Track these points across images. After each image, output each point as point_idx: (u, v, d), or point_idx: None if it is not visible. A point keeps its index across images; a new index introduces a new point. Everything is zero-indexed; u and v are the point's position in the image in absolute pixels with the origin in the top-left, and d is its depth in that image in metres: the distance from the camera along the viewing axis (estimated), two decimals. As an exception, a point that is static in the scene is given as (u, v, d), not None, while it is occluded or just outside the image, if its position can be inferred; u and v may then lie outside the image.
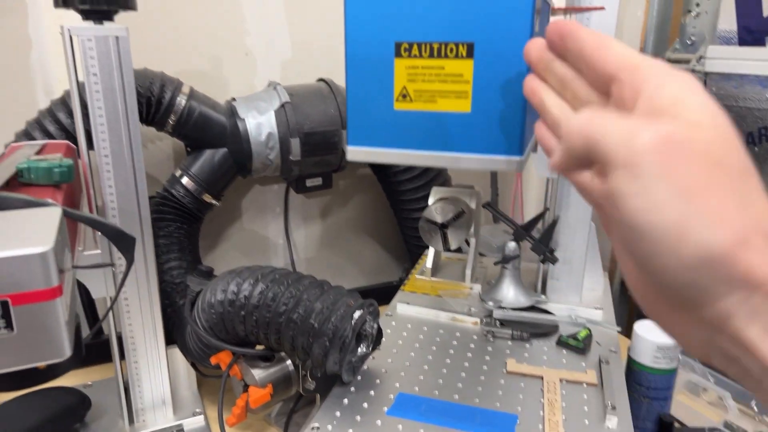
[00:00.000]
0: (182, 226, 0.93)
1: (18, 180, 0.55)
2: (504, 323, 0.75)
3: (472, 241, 0.87)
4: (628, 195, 0.22)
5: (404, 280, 0.90)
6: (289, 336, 0.62)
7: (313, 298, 0.63)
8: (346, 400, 0.60)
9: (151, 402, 0.74)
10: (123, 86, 0.61)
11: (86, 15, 0.62)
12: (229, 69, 1.04)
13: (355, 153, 0.41)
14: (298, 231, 1.20)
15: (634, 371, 0.70)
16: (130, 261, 0.51)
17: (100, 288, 0.65)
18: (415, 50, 0.37)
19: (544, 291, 0.82)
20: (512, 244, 0.79)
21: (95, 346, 0.89)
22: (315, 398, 0.74)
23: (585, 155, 0.25)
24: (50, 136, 0.81)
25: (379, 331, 0.66)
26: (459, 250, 1.00)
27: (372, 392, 0.62)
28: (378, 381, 0.64)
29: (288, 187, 1.14)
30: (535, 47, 0.31)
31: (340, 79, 1.01)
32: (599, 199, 0.26)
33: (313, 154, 0.97)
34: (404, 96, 0.38)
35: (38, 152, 0.68)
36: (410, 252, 1.20)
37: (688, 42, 0.92)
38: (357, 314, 0.61)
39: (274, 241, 1.19)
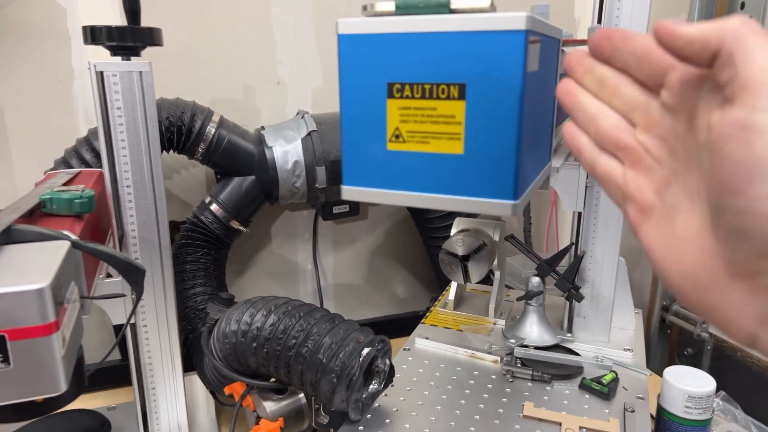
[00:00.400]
0: (209, 252, 0.94)
1: (41, 210, 0.57)
2: (525, 363, 0.72)
3: (497, 274, 0.85)
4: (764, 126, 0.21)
5: (425, 314, 0.88)
6: (298, 370, 0.62)
7: (323, 332, 0.62)
8: (352, 440, 0.59)
9: (167, 428, 0.74)
10: (146, 119, 0.63)
11: (114, 51, 0.65)
12: (261, 97, 1.06)
13: (350, 193, 0.40)
14: (327, 257, 1.20)
15: (663, 421, 0.65)
16: (139, 293, 0.52)
17: (119, 315, 0.66)
18: (407, 91, 0.36)
19: (570, 329, 0.79)
20: (536, 280, 0.76)
21: (123, 368, 0.91)
22: (330, 432, 0.73)
23: (708, 60, 0.23)
24: (87, 164, 0.85)
25: (392, 368, 0.65)
26: (487, 280, 0.98)
27: (380, 432, 0.60)
28: (388, 421, 0.62)
29: (317, 213, 1.15)
30: (575, 54, 0.31)
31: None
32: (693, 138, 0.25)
33: (339, 182, 0.96)
34: (397, 137, 0.37)
35: (70, 180, 0.71)
36: (440, 280, 1.18)
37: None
38: (365, 351, 0.59)
39: (303, 266, 1.19)
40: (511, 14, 0.33)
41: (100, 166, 0.84)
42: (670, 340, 1.07)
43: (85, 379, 0.48)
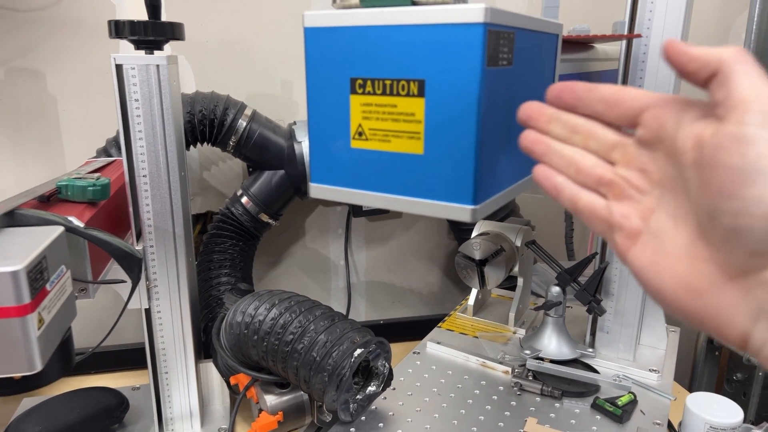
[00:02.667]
0: (237, 244, 0.96)
1: (57, 196, 0.60)
2: (537, 376, 0.68)
3: (520, 281, 0.81)
4: (758, 139, 0.24)
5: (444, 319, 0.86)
6: (293, 366, 0.62)
7: (320, 329, 0.61)
8: (341, 441, 0.58)
9: (180, 412, 0.76)
10: (162, 111, 0.65)
11: (137, 45, 0.67)
12: (298, 93, 1.07)
13: (317, 191, 0.39)
14: (360, 253, 1.20)
15: (683, 451, 0.60)
16: (134, 281, 0.54)
17: (133, 300, 0.68)
18: (369, 86, 0.34)
19: (592, 344, 0.74)
20: (556, 289, 0.72)
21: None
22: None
23: (705, 80, 0.26)
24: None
25: (390, 372, 0.63)
26: (513, 287, 0.94)
27: (371, 436, 0.59)
28: (381, 425, 0.61)
29: (350, 209, 1.14)
30: (531, 105, 0.32)
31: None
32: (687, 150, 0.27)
33: (366, 179, 0.96)
34: (360, 134, 0.36)
35: (101, 168, 0.75)
36: (473, 284, 1.15)
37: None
38: (357, 352, 0.58)
39: (335, 261, 1.19)
40: (468, 6, 0.30)
41: (136, 156, 0.89)
42: (719, 364, 0.99)
43: (73, 359, 0.50)
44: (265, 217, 0.97)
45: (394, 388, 0.65)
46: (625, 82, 0.64)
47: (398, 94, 0.33)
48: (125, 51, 0.97)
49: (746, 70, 0.25)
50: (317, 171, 0.38)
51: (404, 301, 1.25)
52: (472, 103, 0.31)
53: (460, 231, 1.07)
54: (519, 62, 0.35)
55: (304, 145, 0.94)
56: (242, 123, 0.92)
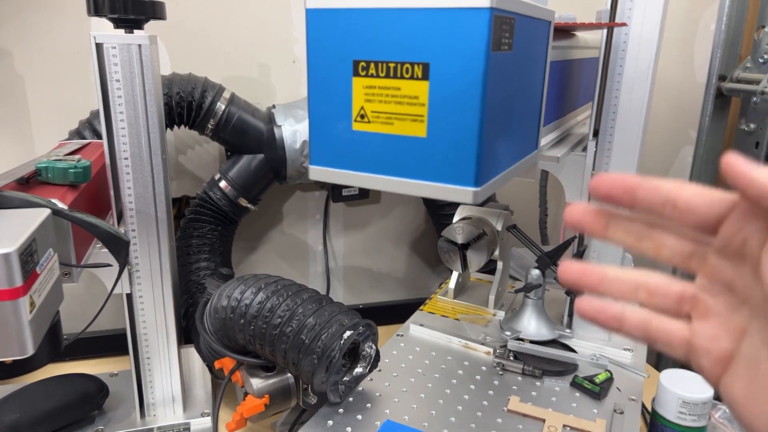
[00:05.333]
0: (216, 228, 0.95)
1: (36, 178, 0.58)
2: (518, 356, 0.70)
3: (499, 264, 0.83)
4: None
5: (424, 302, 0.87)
6: (281, 349, 0.62)
7: (308, 312, 0.62)
8: (330, 422, 0.59)
9: (162, 398, 0.76)
10: (144, 92, 0.64)
11: (117, 24, 0.65)
12: (276, 76, 1.06)
13: (317, 173, 0.39)
14: (338, 239, 1.20)
15: (656, 425, 0.63)
16: (122, 264, 0.53)
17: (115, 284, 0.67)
18: (372, 69, 0.35)
19: (570, 325, 0.77)
20: (536, 272, 0.74)
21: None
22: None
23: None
24: (98, 135, 0.86)
25: (377, 354, 0.64)
26: (492, 271, 0.96)
27: (359, 416, 0.60)
28: (369, 405, 0.62)
29: (329, 194, 1.14)
30: (578, 207, 0.27)
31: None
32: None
33: (347, 164, 0.96)
34: (362, 117, 0.36)
35: (77, 151, 0.73)
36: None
37: (761, 60, 0.83)
38: (347, 334, 0.59)
39: (313, 247, 1.19)
40: (475, -10, 0.31)
41: (112, 139, 0.86)
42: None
43: (61, 344, 0.49)
44: (243, 202, 0.97)
45: (380, 370, 0.66)
46: (606, 69, 0.65)
47: (402, 77, 0.34)
48: (98, 30, 0.95)
49: None
50: (317, 153, 0.39)
51: (382, 286, 1.26)
52: (477, 87, 0.32)
53: (437, 216, 1.09)
54: (517, 48, 0.36)
55: (284, 129, 0.94)
56: (221, 106, 0.91)
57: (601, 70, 0.65)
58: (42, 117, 0.96)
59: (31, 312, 0.40)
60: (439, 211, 1.07)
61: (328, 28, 0.35)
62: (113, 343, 0.96)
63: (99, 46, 0.62)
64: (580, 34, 0.69)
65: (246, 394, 0.69)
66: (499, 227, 0.79)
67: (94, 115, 0.88)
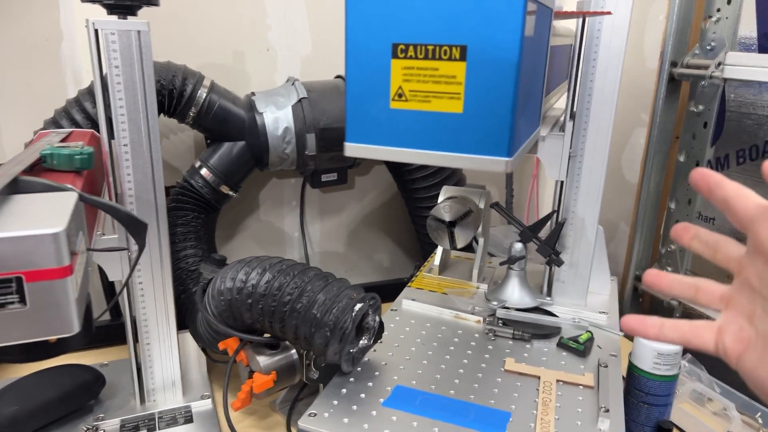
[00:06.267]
0: (200, 216, 0.96)
1: (41, 165, 0.58)
2: (506, 323, 0.76)
3: (481, 240, 0.88)
4: None
5: (415, 277, 0.91)
6: (292, 325, 0.64)
7: (317, 289, 0.64)
8: (344, 390, 0.62)
9: (161, 383, 0.76)
10: (143, 79, 0.64)
11: (111, 9, 0.65)
12: (250, 64, 1.07)
13: (353, 149, 0.42)
14: (314, 225, 1.23)
15: (634, 376, 0.70)
16: (141, 246, 0.54)
17: (116, 271, 0.68)
18: (411, 51, 0.38)
19: (549, 293, 0.83)
20: (518, 245, 0.79)
21: (113, 328, 0.93)
22: (319, 388, 0.76)
23: None
24: (77, 124, 0.85)
25: (381, 325, 0.68)
26: (470, 249, 1.01)
27: (370, 383, 0.63)
28: (377, 373, 0.65)
29: (305, 181, 1.16)
30: (680, 226, 0.35)
31: (358, 77, 1.03)
32: None
33: (328, 149, 0.99)
34: (400, 95, 0.39)
35: (63, 140, 0.72)
36: (423, 249, 1.21)
37: (708, 47, 0.91)
38: (358, 307, 0.62)
39: (289, 233, 1.21)
40: (511, -21, 0.35)
41: (90, 127, 0.85)
42: (641, 308, 1.13)
43: (93, 325, 0.50)
44: (225, 189, 0.97)
45: (381, 342, 0.70)
46: (579, 57, 0.71)
47: (440, 59, 0.37)
48: (69, 16, 0.92)
49: None
50: (353, 131, 0.41)
51: (358, 270, 1.29)
52: (512, 66, 0.36)
53: (412, 200, 1.13)
54: (536, 32, 0.41)
55: (265, 116, 0.95)
56: (202, 94, 0.91)
57: (577, 59, 0.71)
58: (9, 107, 0.93)
59: (76, 291, 0.42)
60: (413, 195, 1.12)
61: (369, 13, 0.38)
62: (99, 335, 0.94)
63: (97, 33, 0.62)
64: (558, 23, 0.75)
65: (251, 372, 0.71)
66: (482, 205, 0.84)
67: (71, 103, 0.86)
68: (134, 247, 0.68)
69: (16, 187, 0.47)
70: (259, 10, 1.04)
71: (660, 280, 0.35)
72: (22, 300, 0.39)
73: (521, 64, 0.36)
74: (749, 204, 0.31)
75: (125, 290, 0.70)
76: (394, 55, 0.38)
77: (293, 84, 0.98)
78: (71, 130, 0.81)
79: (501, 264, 0.80)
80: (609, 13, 0.63)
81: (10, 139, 0.95)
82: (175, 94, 0.89)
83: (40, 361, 0.48)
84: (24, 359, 0.45)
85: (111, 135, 0.66)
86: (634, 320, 0.35)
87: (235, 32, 1.03)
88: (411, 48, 0.38)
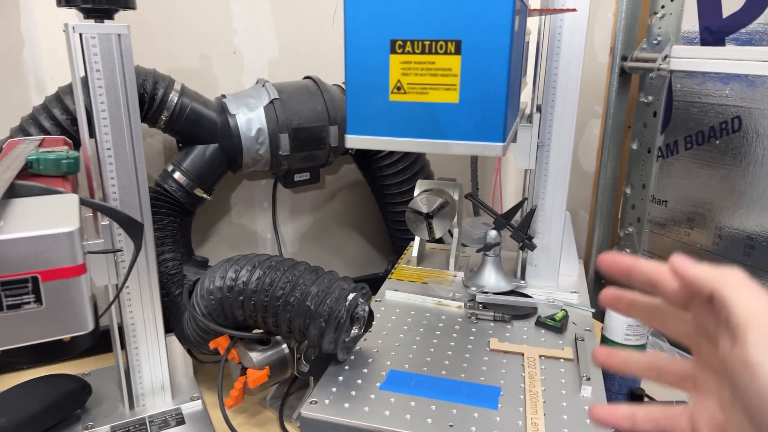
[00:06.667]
0: (175, 220, 0.95)
1: (28, 171, 0.57)
2: (486, 306, 0.80)
3: (455, 231, 0.92)
4: (763, 365, 0.25)
5: (390, 271, 0.94)
6: (286, 318, 0.66)
7: (308, 282, 0.66)
8: (341, 378, 0.64)
9: (150, 387, 0.76)
10: (125, 82, 0.64)
11: (87, 13, 0.65)
12: (217, 67, 1.07)
13: (354, 141, 0.45)
14: (286, 225, 1.24)
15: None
16: (138, 247, 0.55)
17: (103, 276, 0.67)
18: (408, 47, 0.41)
19: (523, 277, 0.87)
20: (493, 233, 0.83)
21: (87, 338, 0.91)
22: (308, 381, 0.78)
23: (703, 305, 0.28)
24: (45, 131, 0.83)
25: (371, 314, 0.70)
26: (441, 240, 1.05)
27: (365, 370, 0.66)
28: (370, 360, 0.68)
29: (276, 182, 1.17)
30: (609, 291, 0.33)
31: (325, 77, 1.05)
32: (716, 365, 0.29)
33: (301, 149, 1.00)
34: (398, 88, 0.42)
35: (39, 146, 0.71)
36: (394, 245, 1.24)
37: (655, 42, 0.98)
38: (351, 296, 0.65)
39: (262, 235, 1.22)
40: (501, -22, 0.38)
41: (60, 133, 0.84)
42: (602, 287, 1.19)
43: (99, 325, 0.50)
44: (199, 192, 0.97)
45: (370, 331, 0.72)
46: (541, 52, 0.76)
47: (436, 53, 0.40)
48: (30, 22, 0.90)
49: (743, 293, 0.26)
50: (353, 124, 0.44)
51: (332, 267, 1.30)
52: (504, 58, 0.39)
53: (382, 195, 1.16)
54: (518, 28, 0.44)
55: (238, 118, 0.96)
56: (174, 97, 0.91)
57: (543, 54, 0.75)
58: (-32, 116, 0.90)
59: (88, 289, 0.42)
60: (384, 191, 1.14)
61: (366, 13, 0.41)
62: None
63: (78, 36, 0.62)
64: (520, 21, 0.79)
65: (243, 369, 0.72)
66: (456, 197, 0.88)
67: (39, 110, 0.84)
68: (118, 252, 0.68)
69: (12, 191, 0.47)
70: (224, 14, 1.04)
71: (612, 359, 0.33)
72: (38, 299, 0.40)
73: (512, 56, 0.39)
74: (692, 275, 0.28)
75: (112, 293, 0.70)
76: (393, 51, 0.41)
77: (263, 86, 0.99)
78: (42, 137, 0.79)
79: (477, 251, 0.84)
80: (574, 10, 0.68)
81: (-30, 149, 0.91)
82: (146, 98, 0.88)
83: (49, 364, 0.48)
84: (35, 361, 0.45)
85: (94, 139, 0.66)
86: (603, 411, 0.32)
87: (201, 36, 1.04)
88: (408, 43, 0.41)
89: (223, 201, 1.15)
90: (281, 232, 1.23)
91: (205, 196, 0.99)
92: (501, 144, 0.41)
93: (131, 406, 0.76)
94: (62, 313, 0.40)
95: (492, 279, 0.84)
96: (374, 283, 0.92)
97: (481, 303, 0.80)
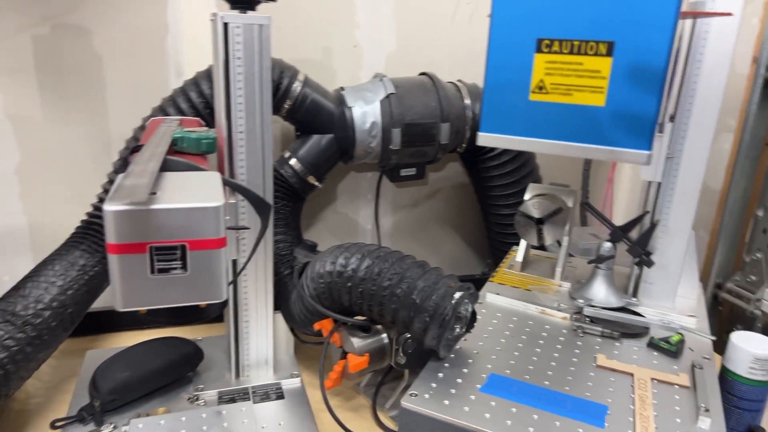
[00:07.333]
0: (288, 204, 1.00)
1: (172, 147, 0.62)
2: (594, 321, 0.76)
3: (565, 239, 0.89)
4: None
5: (487, 274, 0.93)
6: (391, 309, 0.67)
7: (415, 276, 0.67)
8: (440, 374, 0.64)
9: (255, 360, 0.81)
10: (261, 70, 0.68)
11: (233, 4, 0.69)
12: (338, 60, 1.10)
13: (486, 139, 0.44)
14: (386, 218, 1.25)
15: (727, 381, 0.69)
16: (265, 225, 0.58)
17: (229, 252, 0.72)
18: (555, 46, 0.40)
19: (635, 294, 0.83)
20: (608, 245, 0.80)
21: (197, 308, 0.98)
22: (403, 373, 0.78)
23: None
24: (182, 112, 0.90)
25: (473, 315, 0.70)
26: (543, 247, 1.02)
27: (465, 370, 0.65)
28: (470, 361, 0.67)
29: (381, 175, 1.19)
30: None
31: (440, 74, 1.05)
32: None
33: (411, 144, 1.01)
34: (540, 88, 0.41)
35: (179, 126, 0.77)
36: (492, 247, 1.22)
37: (810, 53, 0.89)
38: (457, 295, 0.64)
39: (363, 225, 1.24)
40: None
41: (194, 115, 0.90)
42: (721, 316, 1.10)
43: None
44: (312, 180, 1.01)
45: (470, 332, 0.72)
46: (684, 59, 0.71)
47: (585, 54, 0.39)
48: (175, 11, 0.98)
49: None
50: (489, 122, 0.44)
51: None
52: (662, 61, 0.37)
53: (486, 197, 1.14)
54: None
55: (354, 111, 0.98)
56: (297, 87, 0.95)
57: (683, 58, 0.71)
58: (118, 94, 1.00)
59: (226, 261, 0.45)
60: (489, 192, 1.13)
61: (514, 11, 0.40)
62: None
63: (225, 26, 0.66)
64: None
65: (344, 353, 0.74)
66: (570, 204, 0.85)
67: (178, 93, 0.91)
68: (243, 230, 0.72)
69: (165, 165, 0.52)
70: (348, 7, 1.07)
71: None
72: (184, 266, 0.43)
73: (669, 61, 0.37)
74: None
75: (232, 268, 0.74)
76: (538, 50, 0.40)
77: (381, 80, 1.01)
78: (179, 118, 0.86)
79: (589, 262, 0.80)
80: (730, 14, 0.63)
81: (117, 124, 1.01)
82: (272, 86, 0.93)
83: (183, 326, 0.52)
84: (172, 323, 0.49)
85: (213, 123, 0.70)
86: None
87: (325, 29, 1.07)
88: (556, 43, 0.40)
89: (330, 190, 1.19)
90: (381, 225, 1.25)
91: (316, 183, 1.02)
92: (647, 152, 0.39)
93: (237, 375, 0.81)
94: (202, 281, 0.44)
95: (602, 293, 0.80)
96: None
97: (588, 317, 0.77)
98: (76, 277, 0.76)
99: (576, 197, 0.87)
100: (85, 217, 0.87)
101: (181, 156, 0.62)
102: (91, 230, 0.84)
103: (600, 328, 0.74)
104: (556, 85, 0.40)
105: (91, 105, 0.99)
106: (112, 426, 0.70)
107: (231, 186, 0.54)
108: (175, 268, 0.43)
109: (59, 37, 0.94)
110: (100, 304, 0.83)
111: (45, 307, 0.69)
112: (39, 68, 0.94)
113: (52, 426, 0.70)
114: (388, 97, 0.98)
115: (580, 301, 0.79)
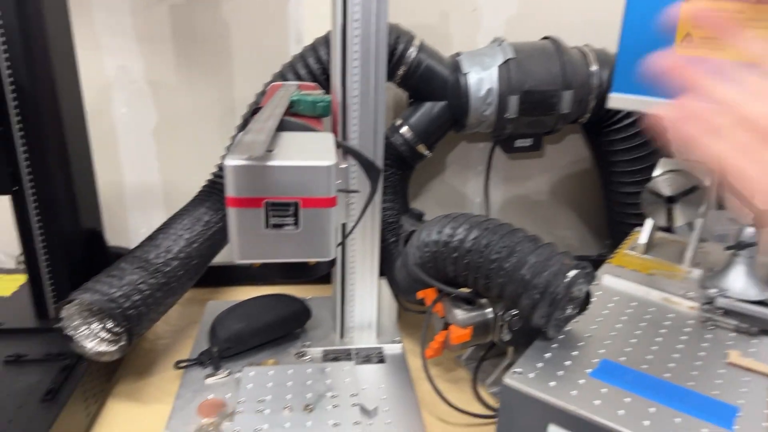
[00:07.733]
0: (397, 172, 1.00)
1: (290, 109, 0.64)
2: (728, 313, 0.69)
3: (698, 221, 0.80)
4: None
5: (604, 256, 0.86)
6: (498, 283, 0.65)
7: (527, 250, 0.64)
8: (548, 354, 0.61)
9: (360, 323, 0.82)
10: (378, 33, 0.67)
11: (352, -33, 0.68)
12: (455, 24, 1.07)
13: (618, 100, 0.40)
14: (497, 192, 1.21)
15: None
16: (374, 189, 0.58)
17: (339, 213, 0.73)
18: (709, -6, 0.35)
19: (781, 288, 0.73)
20: (750, 229, 0.71)
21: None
22: (506, 350, 0.76)
23: None
24: (300, 78, 0.92)
25: (587, 296, 0.65)
26: (670, 229, 0.93)
27: (575, 353, 0.62)
28: (581, 343, 0.63)
29: (494, 146, 1.15)
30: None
31: (566, 39, 0.98)
32: None
33: (529, 113, 0.96)
34: (687, 41, 0.36)
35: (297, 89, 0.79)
36: (612, 228, 1.14)
37: None
38: (572, 273, 0.61)
39: (471, 198, 1.21)
40: None
41: (311, 80, 0.92)
42: None
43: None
44: (422, 148, 1.00)
45: (583, 314, 0.67)
46: None
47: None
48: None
49: None
50: (622, 81, 0.39)
51: (538, 241, 1.26)
52: None
53: (609, 173, 1.06)
54: None
55: (469, 77, 0.95)
56: (412, 53, 0.93)
57: None
58: (242, 61, 1.04)
59: (336, 220, 0.46)
60: (612, 168, 1.05)
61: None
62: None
63: (343, -12, 0.66)
64: None
65: (446, 324, 0.74)
66: (707, 182, 0.76)
67: (297, 59, 0.94)
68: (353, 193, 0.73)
69: (282, 125, 0.53)
70: (470, -31, 1.03)
71: None
72: (296, 223, 0.44)
73: None
74: None
75: (341, 231, 0.76)
76: (688, -1, 0.35)
77: (500, 45, 0.96)
78: (297, 83, 0.88)
79: (727, 249, 0.72)
80: None
81: (240, 90, 1.06)
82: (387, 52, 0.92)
83: (293, 284, 0.54)
84: (283, 278, 0.51)
85: (344, 86, 0.70)
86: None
87: (443, -8, 1.04)
88: (710, -11, 0.34)
89: (439, 160, 1.17)
90: (491, 199, 1.22)
91: (426, 152, 1.01)
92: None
93: (341, 335, 0.83)
94: (313, 239, 0.44)
95: (739, 283, 0.72)
96: (587, 266, 0.85)
97: (721, 308, 0.69)
98: (200, 232, 0.81)
99: (714, 176, 0.78)
100: (210, 177, 0.93)
101: (297, 118, 0.63)
102: (215, 189, 0.90)
103: (735, 322, 0.67)
104: (706, 39, 0.35)
105: (219, 71, 1.04)
106: (227, 372, 0.75)
107: (344, 148, 0.54)
108: (287, 225, 0.44)
109: (192, 6, 1.00)
110: (220, 259, 0.89)
111: (173, 257, 0.75)
112: (175, 36, 1.01)
113: (176, 366, 0.76)
114: (506, 62, 0.94)
115: (713, 290, 0.72)
